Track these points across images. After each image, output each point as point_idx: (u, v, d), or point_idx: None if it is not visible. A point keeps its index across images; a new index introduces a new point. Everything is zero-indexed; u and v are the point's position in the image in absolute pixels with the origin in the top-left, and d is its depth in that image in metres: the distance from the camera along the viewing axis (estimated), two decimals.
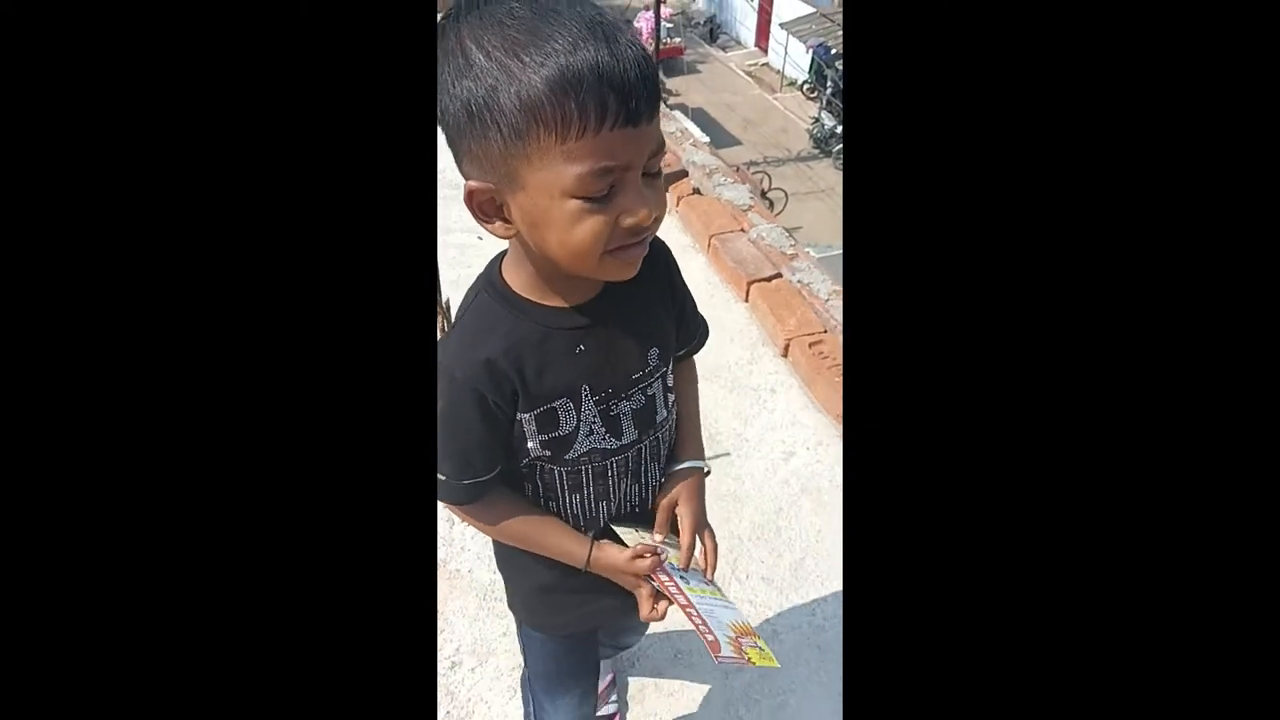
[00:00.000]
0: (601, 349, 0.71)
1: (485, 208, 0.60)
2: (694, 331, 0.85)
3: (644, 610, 0.78)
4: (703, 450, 0.86)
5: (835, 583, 1.54)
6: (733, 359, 2.04)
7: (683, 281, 0.81)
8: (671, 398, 0.79)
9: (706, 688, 1.37)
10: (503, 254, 0.71)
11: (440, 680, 1.36)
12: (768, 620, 1.48)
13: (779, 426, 1.87)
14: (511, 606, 0.94)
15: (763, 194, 12.07)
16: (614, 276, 0.64)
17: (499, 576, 1.52)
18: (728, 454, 1.79)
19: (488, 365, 0.67)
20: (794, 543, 1.62)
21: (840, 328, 1.99)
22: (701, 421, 0.89)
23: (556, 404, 0.70)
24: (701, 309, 0.86)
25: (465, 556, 1.57)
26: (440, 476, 0.72)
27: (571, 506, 0.78)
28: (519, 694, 1.34)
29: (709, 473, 0.86)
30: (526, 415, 0.70)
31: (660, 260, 0.76)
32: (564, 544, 0.77)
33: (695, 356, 0.88)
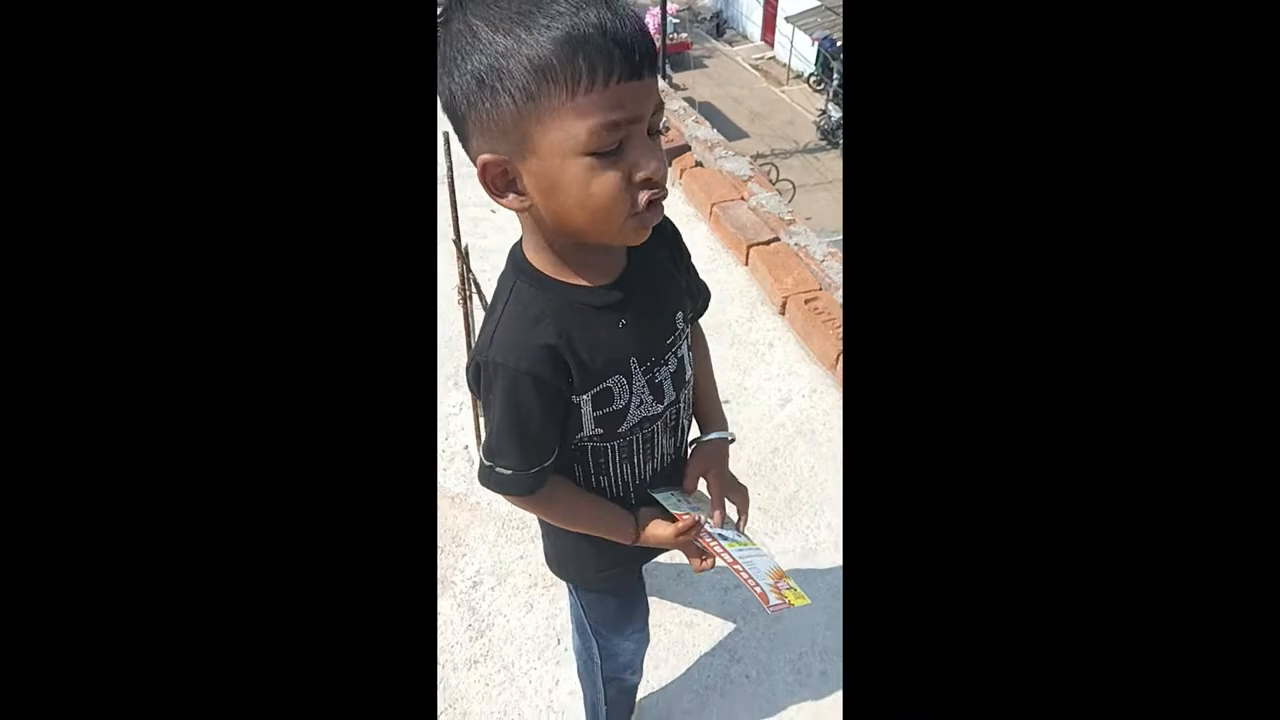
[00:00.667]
0: (639, 320, 0.73)
1: (497, 181, 0.62)
2: (700, 293, 0.88)
3: (695, 567, 0.86)
4: (725, 420, 0.92)
5: (826, 513, 1.65)
6: (734, 317, 2.16)
7: (686, 247, 0.85)
8: (692, 355, 0.84)
9: (705, 604, 1.48)
10: (519, 243, 0.72)
11: (463, 597, 1.48)
12: (764, 545, 1.59)
13: (776, 376, 1.98)
14: (562, 572, 0.98)
15: (771, 184, 12.14)
16: (630, 240, 0.65)
17: (517, 509, 1.65)
18: (726, 401, 1.90)
19: (548, 350, 0.68)
20: (788, 478, 1.73)
21: (834, 286, 2.09)
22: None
23: (610, 381, 0.73)
24: (704, 273, 0.90)
25: (485, 491, 1.68)
26: (505, 471, 0.74)
27: (622, 475, 0.82)
28: (535, 609, 1.46)
29: (734, 440, 0.92)
30: (585, 396, 0.72)
31: (667, 226, 0.79)
32: (614, 524, 0.83)
33: (700, 320, 0.91)
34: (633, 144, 0.59)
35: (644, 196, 0.61)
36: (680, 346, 0.79)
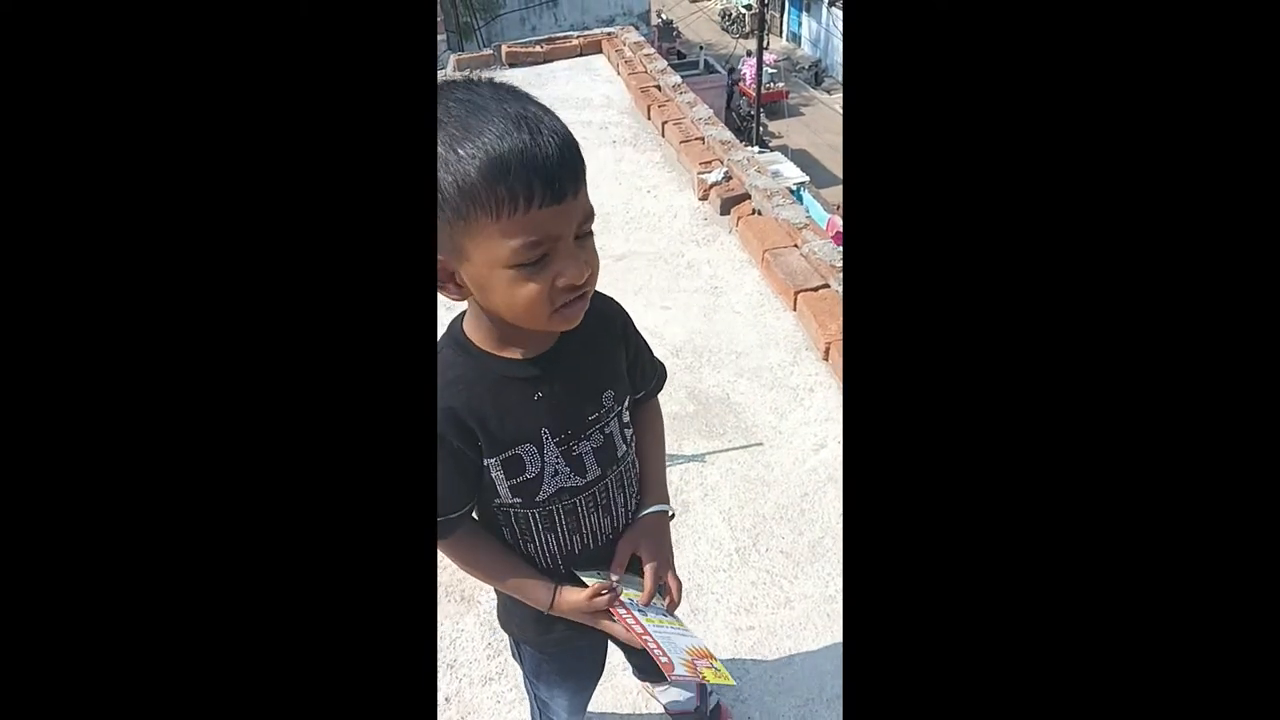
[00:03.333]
0: (558, 394, 0.77)
1: (439, 275, 0.68)
2: (650, 376, 0.92)
3: (620, 635, 0.84)
4: (666, 494, 0.93)
5: None
6: (775, 361, 2.18)
7: (636, 332, 0.89)
8: (629, 433, 0.86)
9: (717, 641, 1.49)
10: (464, 313, 0.77)
11: (486, 616, 1.56)
12: (782, 589, 1.59)
13: (813, 422, 1.98)
14: (505, 627, 1.00)
15: None
16: (556, 328, 0.71)
17: None
18: (760, 444, 1.93)
19: (449, 413, 0.73)
20: (815, 524, 1.72)
21: None
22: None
23: (519, 449, 0.76)
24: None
25: None
26: None
27: (548, 545, 0.84)
28: None
29: (674, 516, 0.94)
30: (493, 460, 0.76)
31: (615, 313, 0.86)
32: (529, 588, 0.84)
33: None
34: (557, 255, 0.65)
35: (567, 299, 0.67)
36: (607, 424, 0.82)
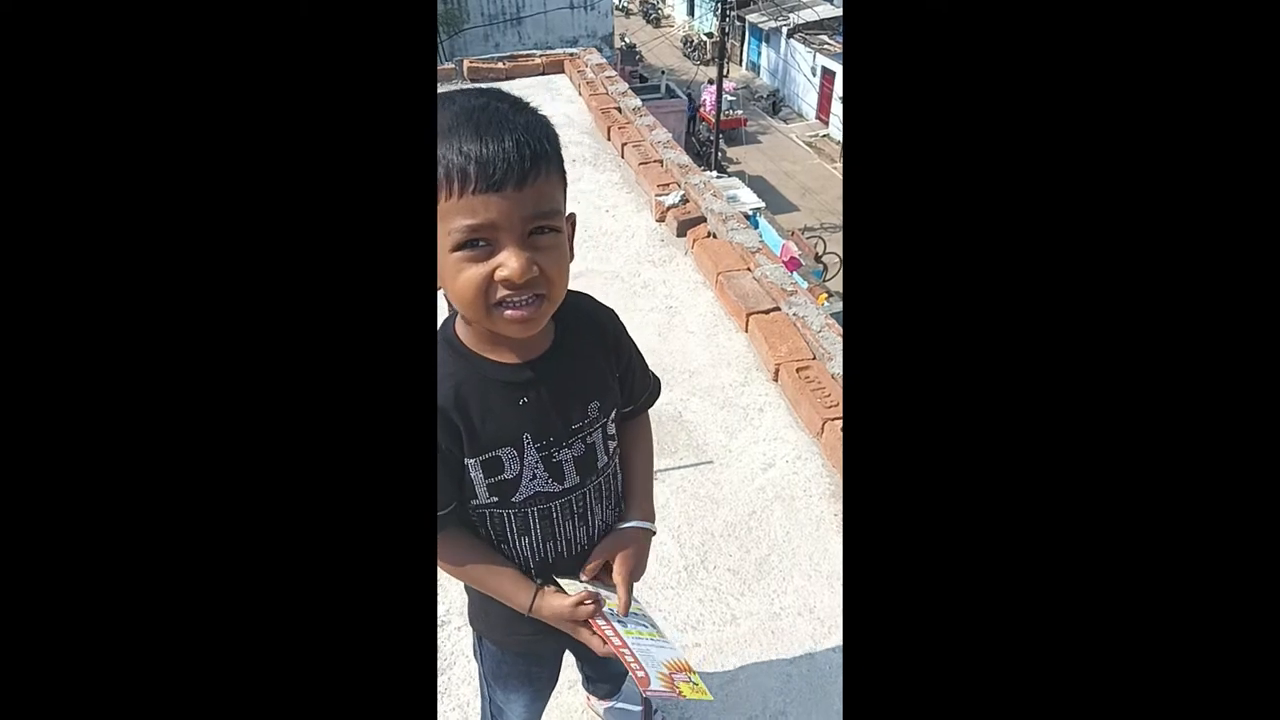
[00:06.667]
0: (543, 401, 0.78)
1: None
2: (643, 389, 0.93)
3: (597, 647, 0.84)
4: (652, 512, 0.93)
5: (795, 578, 1.66)
6: (727, 381, 2.22)
7: (631, 344, 0.90)
8: (612, 445, 0.87)
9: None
10: (451, 316, 0.79)
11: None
12: (729, 606, 1.60)
13: (762, 441, 2.02)
14: (473, 622, 1.01)
15: (816, 257, 12.22)
16: (506, 331, 0.71)
17: None
18: (710, 462, 1.95)
19: (438, 412, 0.74)
20: (762, 541, 1.75)
21: (828, 356, 2.14)
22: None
23: (500, 451, 0.77)
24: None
25: None
26: None
27: (521, 549, 0.85)
28: None
29: (654, 534, 0.93)
30: (472, 461, 0.77)
31: (609, 324, 0.87)
32: (511, 590, 0.84)
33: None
34: (499, 247, 0.66)
35: (506, 296, 0.68)
36: (590, 434, 0.83)
